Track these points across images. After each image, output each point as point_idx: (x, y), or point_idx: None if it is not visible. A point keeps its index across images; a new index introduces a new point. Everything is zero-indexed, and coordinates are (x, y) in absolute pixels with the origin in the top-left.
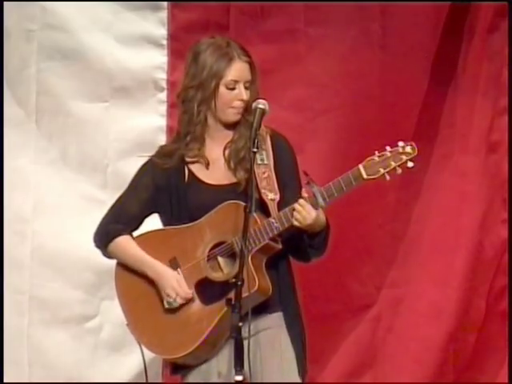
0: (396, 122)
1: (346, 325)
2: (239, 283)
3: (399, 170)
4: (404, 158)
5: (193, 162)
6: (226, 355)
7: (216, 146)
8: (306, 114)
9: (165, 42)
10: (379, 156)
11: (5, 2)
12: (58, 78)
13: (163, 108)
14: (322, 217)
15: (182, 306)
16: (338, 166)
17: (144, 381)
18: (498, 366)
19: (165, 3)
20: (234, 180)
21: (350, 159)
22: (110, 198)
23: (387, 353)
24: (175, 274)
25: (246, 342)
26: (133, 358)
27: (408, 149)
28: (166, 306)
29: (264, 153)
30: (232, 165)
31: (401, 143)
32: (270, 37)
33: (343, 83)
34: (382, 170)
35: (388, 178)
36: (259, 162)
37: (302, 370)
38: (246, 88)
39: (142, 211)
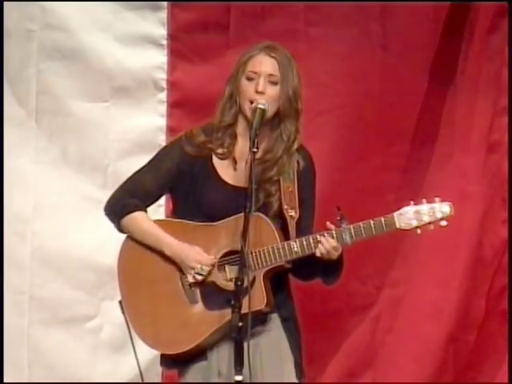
0: (396, 121)
1: (346, 324)
2: (239, 283)
3: (431, 227)
4: (439, 215)
5: (220, 158)
6: (226, 354)
7: (246, 147)
8: (306, 114)
9: (165, 42)
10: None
11: (5, 2)
12: (58, 77)
13: (163, 108)
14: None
15: (184, 304)
16: (339, 166)
17: (144, 381)
18: (498, 366)
19: (165, 3)
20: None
21: (350, 159)
22: None
23: (387, 352)
24: (195, 247)
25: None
26: (133, 358)
27: (445, 208)
28: (191, 280)
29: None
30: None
31: (437, 199)
32: (270, 37)
33: (343, 83)
34: (415, 223)
35: (419, 231)
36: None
37: (301, 375)
38: (271, 83)
39: (158, 191)
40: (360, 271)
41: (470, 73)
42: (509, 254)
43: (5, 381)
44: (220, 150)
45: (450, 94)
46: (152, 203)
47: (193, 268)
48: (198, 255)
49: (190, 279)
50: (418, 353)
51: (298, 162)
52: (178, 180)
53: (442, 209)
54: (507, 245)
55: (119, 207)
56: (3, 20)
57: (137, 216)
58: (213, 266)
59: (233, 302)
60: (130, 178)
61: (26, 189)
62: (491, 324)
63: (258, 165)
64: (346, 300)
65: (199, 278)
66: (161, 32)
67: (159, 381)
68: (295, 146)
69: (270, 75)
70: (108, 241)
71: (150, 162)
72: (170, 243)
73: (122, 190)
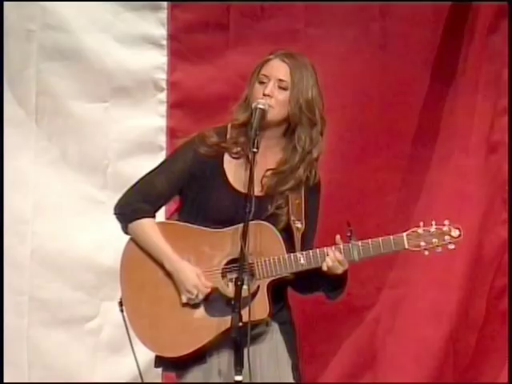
0: (396, 122)
1: (346, 325)
2: (239, 283)
3: (439, 249)
4: (447, 238)
5: (233, 158)
6: (226, 354)
7: (260, 152)
8: None
9: (165, 42)
10: (424, 230)
11: (5, 2)
12: (58, 78)
13: (163, 108)
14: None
15: (185, 308)
16: (339, 167)
17: (144, 381)
18: (498, 367)
19: (165, 3)
20: (260, 193)
21: (350, 159)
22: (109, 199)
23: (387, 353)
24: (195, 269)
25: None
26: (133, 359)
27: (454, 232)
28: (185, 301)
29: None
30: (267, 194)
31: (447, 222)
32: (270, 37)
33: (343, 83)
34: (423, 244)
35: (427, 253)
36: None
37: (298, 378)
38: (280, 88)
39: (170, 193)
40: (360, 272)
41: (470, 73)
42: (509, 254)
43: (5, 381)
44: (234, 149)
45: (450, 94)
46: (162, 206)
47: (189, 291)
48: (196, 279)
49: (184, 300)
50: (418, 353)
51: (316, 174)
52: (190, 182)
53: (452, 233)
54: (507, 245)
55: (129, 211)
56: (3, 20)
57: (144, 223)
58: (207, 294)
59: (233, 302)
60: (141, 180)
61: (25, 189)
62: (491, 324)
63: (272, 176)
64: (346, 301)
65: (191, 302)
66: (161, 32)
67: (159, 381)
68: (314, 155)
69: (280, 80)
70: (108, 241)
71: (162, 164)
72: (172, 259)
73: (134, 192)
